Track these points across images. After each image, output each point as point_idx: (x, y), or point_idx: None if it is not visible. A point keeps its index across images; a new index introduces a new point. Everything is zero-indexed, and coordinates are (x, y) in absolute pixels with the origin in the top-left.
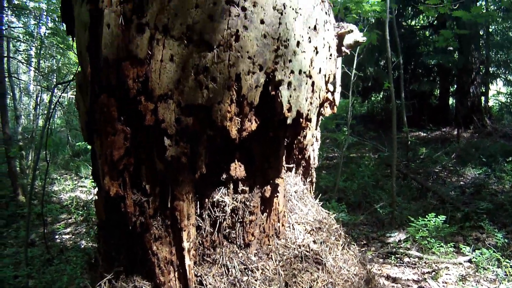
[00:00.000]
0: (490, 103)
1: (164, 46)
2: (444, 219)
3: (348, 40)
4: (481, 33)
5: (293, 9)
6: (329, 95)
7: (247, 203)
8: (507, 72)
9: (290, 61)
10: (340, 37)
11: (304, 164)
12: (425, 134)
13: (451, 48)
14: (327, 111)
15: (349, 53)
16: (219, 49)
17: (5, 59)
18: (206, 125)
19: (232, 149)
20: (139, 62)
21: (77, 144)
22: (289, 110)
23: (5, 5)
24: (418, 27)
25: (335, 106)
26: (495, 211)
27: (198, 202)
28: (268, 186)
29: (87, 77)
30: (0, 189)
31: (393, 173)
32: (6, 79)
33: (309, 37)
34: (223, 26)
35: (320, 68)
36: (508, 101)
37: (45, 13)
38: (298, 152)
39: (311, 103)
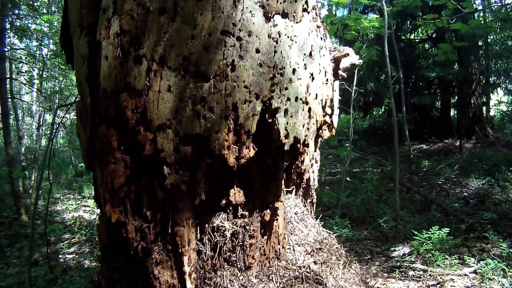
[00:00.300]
0: (492, 113)
1: (162, 77)
2: (448, 231)
3: (345, 63)
4: (480, 43)
5: (288, 36)
6: (327, 118)
7: (247, 227)
8: (507, 82)
9: (286, 88)
10: (337, 61)
11: (304, 185)
12: (427, 147)
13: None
14: (326, 134)
15: (346, 76)
16: (216, 80)
17: (8, 80)
18: (204, 153)
19: (231, 175)
20: (137, 93)
21: (80, 164)
22: (286, 136)
23: (7, 27)
24: (417, 40)
25: (333, 129)
26: (499, 221)
27: (198, 227)
28: (268, 210)
29: (87, 107)
30: (3, 209)
31: (396, 188)
32: (9, 100)
33: (305, 64)
34: (218, 56)
35: (316, 94)
36: (510, 110)
37: (46, 36)
38: (297, 177)
39: (308, 128)
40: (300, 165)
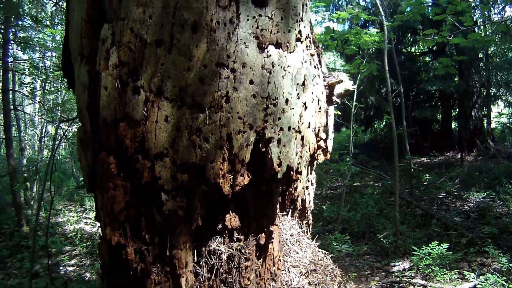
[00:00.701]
0: (492, 125)
1: (159, 107)
2: (448, 246)
3: (339, 89)
4: (480, 55)
5: (281, 67)
6: (322, 143)
7: (243, 250)
8: (508, 93)
9: (279, 118)
10: (331, 87)
11: (300, 207)
12: (428, 160)
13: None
14: (321, 158)
15: (340, 103)
16: (211, 111)
17: (11, 92)
18: (200, 181)
19: (227, 201)
20: (136, 123)
21: (82, 178)
22: (280, 165)
23: (11, 38)
24: (417, 53)
25: (328, 153)
26: (499, 234)
27: (195, 250)
28: (263, 234)
29: (87, 134)
30: (5, 219)
31: (396, 203)
32: (12, 112)
33: (298, 94)
34: (213, 88)
35: (309, 123)
36: (510, 122)
37: (49, 50)
38: (290, 203)
39: (301, 157)
40: (293, 191)
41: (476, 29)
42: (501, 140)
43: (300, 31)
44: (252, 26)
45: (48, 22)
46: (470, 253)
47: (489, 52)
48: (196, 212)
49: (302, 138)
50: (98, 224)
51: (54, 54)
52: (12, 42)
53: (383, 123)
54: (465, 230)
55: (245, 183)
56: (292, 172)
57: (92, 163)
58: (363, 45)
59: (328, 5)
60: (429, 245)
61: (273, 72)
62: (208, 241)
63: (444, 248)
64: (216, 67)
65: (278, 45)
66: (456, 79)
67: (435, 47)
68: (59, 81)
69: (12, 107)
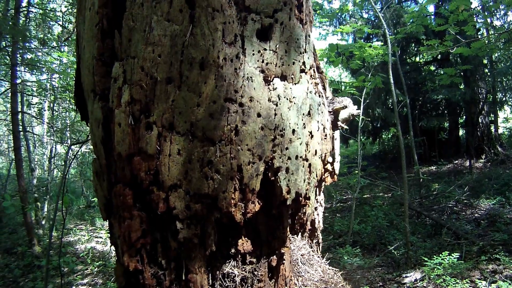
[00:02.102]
0: (500, 131)
1: (171, 141)
2: (459, 255)
3: (344, 114)
4: (485, 61)
5: (287, 99)
6: (329, 166)
7: (255, 272)
8: None
9: (286, 148)
10: (336, 113)
11: (309, 228)
12: (437, 169)
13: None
14: (328, 180)
15: (345, 128)
16: (221, 144)
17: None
18: (213, 209)
19: (239, 227)
20: (150, 157)
21: (93, 199)
22: (288, 192)
23: (18, 60)
24: (422, 62)
25: (335, 175)
26: (510, 241)
27: (210, 273)
28: (274, 256)
29: (103, 167)
30: (16, 239)
31: (406, 214)
32: (21, 133)
33: (304, 124)
34: (223, 122)
35: (316, 150)
36: None
37: (56, 73)
38: (300, 227)
39: (309, 183)
40: (302, 216)
41: (479, 35)
42: (509, 146)
43: (304, 62)
44: (258, 60)
45: (54, 44)
46: (481, 261)
47: (493, 58)
48: (210, 239)
49: (310, 165)
50: (109, 243)
51: (61, 75)
52: (20, 64)
53: (391, 134)
54: (476, 238)
55: (256, 210)
56: (300, 198)
57: (108, 193)
58: (367, 58)
59: (331, 19)
60: (440, 255)
61: (279, 104)
62: (222, 265)
63: (455, 258)
64: (225, 102)
65: (283, 78)
66: (461, 87)
67: (439, 55)
68: (67, 101)
69: (21, 128)
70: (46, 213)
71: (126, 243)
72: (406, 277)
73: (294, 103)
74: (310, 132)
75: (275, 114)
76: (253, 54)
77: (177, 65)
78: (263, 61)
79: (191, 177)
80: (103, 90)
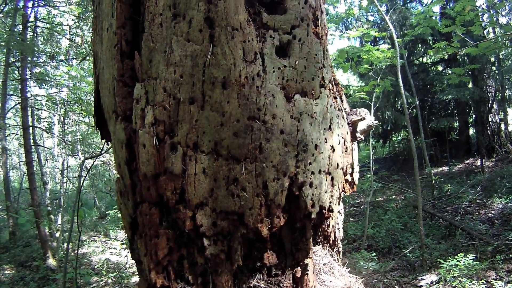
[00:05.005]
0: (510, 128)
1: (196, 161)
2: (474, 257)
3: (361, 126)
4: (492, 59)
5: (308, 114)
6: (348, 177)
7: (281, 284)
8: None
9: (310, 163)
10: (354, 124)
11: (331, 238)
12: (448, 170)
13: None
14: (348, 190)
15: (363, 138)
16: (246, 162)
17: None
18: (239, 225)
19: (264, 242)
20: (175, 176)
21: (110, 211)
22: (313, 206)
23: (27, 75)
24: (429, 63)
25: (354, 185)
26: None
27: (236, 287)
28: (299, 268)
29: (127, 187)
30: (30, 252)
31: (420, 217)
32: (32, 147)
33: (325, 138)
34: (247, 141)
35: (337, 163)
36: None
37: (66, 87)
38: (323, 238)
39: (331, 196)
40: (326, 228)
41: (485, 33)
42: None
43: (323, 77)
44: (278, 77)
45: (63, 57)
46: (496, 261)
47: (500, 56)
48: (237, 254)
49: (332, 178)
50: (124, 254)
51: (71, 89)
52: (29, 78)
53: (401, 136)
54: (490, 238)
55: (281, 224)
56: (324, 211)
57: (133, 212)
58: (375, 62)
59: (337, 24)
60: (455, 256)
61: (301, 120)
62: (249, 278)
63: (470, 259)
64: (248, 120)
65: (303, 93)
66: (470, 86)
67: (446, 56)
68: (77, 113)
69: (32, 142)
70: (59, 225)
71: (153, 261)
72: (422, 279)
73: (316, 118)
74: (332, 146)
75: (298, 130)
76: (274, 71)
77: (199, 85)
78: (283, 78)
79: (217, 195)
80: (125, 111)
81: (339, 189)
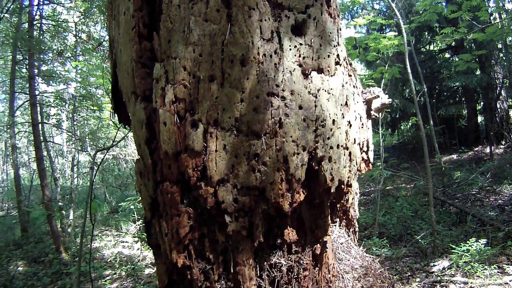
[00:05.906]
0: None
1: (217, 137)
2: (485, 242)
3: (376, 104)
4: (499, 46)
5: (325, 91)
6: (364, 155)
7: (300, 261)
8: None
9: (328, 138)
10: (368, 103)
11: (347, 217)
12: (458, 157)
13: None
14: (363, 169)
15: (378, 116)
16: (266, 137)
17: (40, 125)
18: (261, 201)
19: (285, 217)
20: (196, 153)
21: (120, 204)
22: (332, 180)
23: (35, 72)
24: (436, 50)
25: (370, 164)
26: None
27: (257, 264)
28: (318, 245)
29: (148, 167)
30: (43, 248)
31: (431, 203)
32: (42, 144)
33: (342, 114)
34: (267, 116)
35: (354, 139)
36: None
37: (75, 82)
38: (342, 214)
39: (350, 170)
40: (345, 203)
41: (492, 19)
42: None
43: (338, 55)
44: (295, 55)
45: (69, 54)
46: (508, 246)
47: (507, 42)
48: (258, 230)
49: (350, 153)
50: (136, 247)
51: (80, 84)
52: (37, 75)
53: (409, 124)
54: (501, 224)
55: (301, 199)
56: (343, 186)
57: (154, 192)
58: (382, 49)
59: (343, 13)
60: (467, 242)
61: (319, 96)
62: (269, 255)
63: (482, 244)
64: (267, 96)
65: (320, 71)
66: (477, 73)
67: (453, 43)
68: (85, 108)
69: (42, 139)
70: (71, 220)
71: (174, 240)
72: (434, 265)
73: (332, 95)
74: (349, 122)
75: (315, 106)
76: (290, 49)
77: (219, 63)
78: (300, 56)
79: (238, 171)
80: (144, 91)
81: (356, 164)
